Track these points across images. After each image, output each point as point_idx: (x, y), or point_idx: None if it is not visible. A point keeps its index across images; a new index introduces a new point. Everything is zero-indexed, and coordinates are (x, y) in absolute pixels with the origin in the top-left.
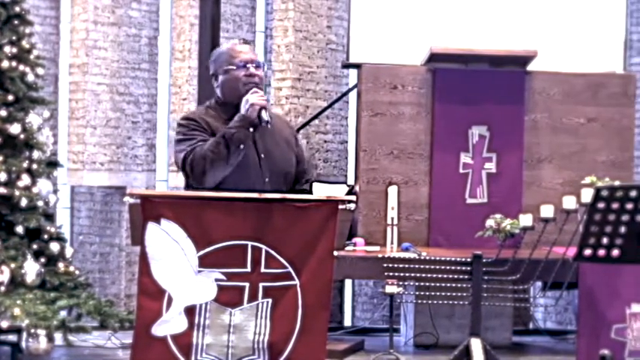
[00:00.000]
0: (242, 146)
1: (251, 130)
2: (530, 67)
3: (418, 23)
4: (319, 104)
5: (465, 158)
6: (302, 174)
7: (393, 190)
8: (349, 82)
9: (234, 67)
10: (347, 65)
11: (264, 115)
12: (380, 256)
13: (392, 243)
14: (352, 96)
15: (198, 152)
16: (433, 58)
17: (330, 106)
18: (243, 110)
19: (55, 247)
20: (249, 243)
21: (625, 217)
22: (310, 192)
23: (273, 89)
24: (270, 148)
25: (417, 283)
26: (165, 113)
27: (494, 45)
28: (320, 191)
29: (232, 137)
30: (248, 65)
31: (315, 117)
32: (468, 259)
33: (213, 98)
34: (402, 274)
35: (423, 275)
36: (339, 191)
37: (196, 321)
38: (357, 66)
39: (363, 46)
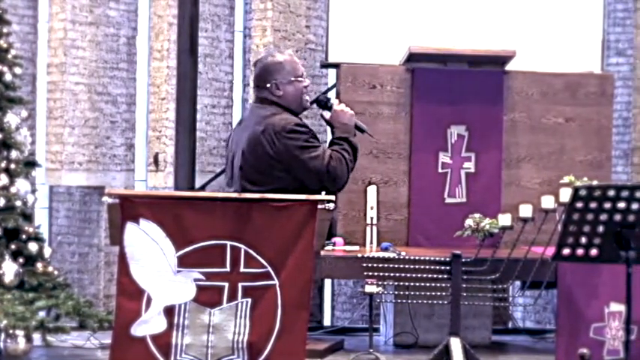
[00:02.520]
0: None
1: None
2: (508, 67)
3: (397, 23)
4: None
5: (443, 158)
6: None
7: (372, 190)
8: (328, 82)
9: (298, 79)
10: (326, 65)
11: (361, 124)
12: (359, 255)
13: (371, 243)
14: (331, 95)
15: (339, 160)
16: (412, 57)
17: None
18: (344, 119)
19: (33, 247)
20: (228, 243)
21: (603, 217)
22: None
23: (252, 89)
24: None
25: (396, 283)
26: (144, 113)
27: (473, 45)
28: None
29: (356, 146)
30: (305, 76)
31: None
32: (447, 259)
33: (275, 106)
34: (381, 274)
35: (403, 275)
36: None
37: (176, 321)
38: (336, 66)
39: (342, 45)
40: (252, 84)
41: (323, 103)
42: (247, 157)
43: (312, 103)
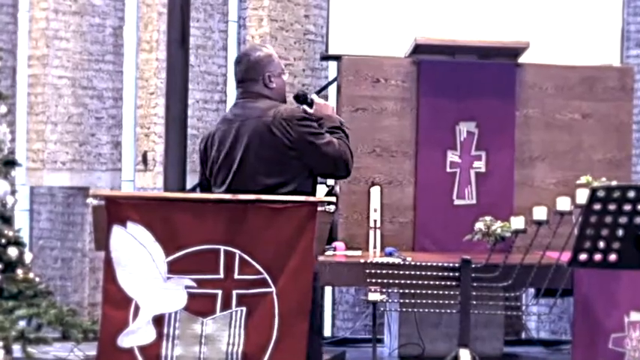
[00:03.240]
0: None
1: None
2: (521, 60)
3: (402, 12)
4: None
5: (452, 156)
6: None
7: (375, 191)
8: (329, 75)
9: (284, 72)
10: (326, 57)
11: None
12: (362, 261)
13: (375, 247)
14: (332, 90)
15: (345, 144)
16: (418, 49)
17: None
18: (328, 111)
19: (13, 252)
20: (222, 247)
21: (622, 220)
22: None
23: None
24: None
25: (401, 290)
26: (132, 108)
27: (483, 36)
28: None
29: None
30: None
31: None
32: (456, 265)
33: (268, 98)
34: (385, 281)
35: (408, 282)
36: (317, 192)
37: (165, 331)
38: (337, 58)
39: (344, 36)
40: (236, 81)
41: (302, 99)
42: (258, 150)
43: (294, 98)
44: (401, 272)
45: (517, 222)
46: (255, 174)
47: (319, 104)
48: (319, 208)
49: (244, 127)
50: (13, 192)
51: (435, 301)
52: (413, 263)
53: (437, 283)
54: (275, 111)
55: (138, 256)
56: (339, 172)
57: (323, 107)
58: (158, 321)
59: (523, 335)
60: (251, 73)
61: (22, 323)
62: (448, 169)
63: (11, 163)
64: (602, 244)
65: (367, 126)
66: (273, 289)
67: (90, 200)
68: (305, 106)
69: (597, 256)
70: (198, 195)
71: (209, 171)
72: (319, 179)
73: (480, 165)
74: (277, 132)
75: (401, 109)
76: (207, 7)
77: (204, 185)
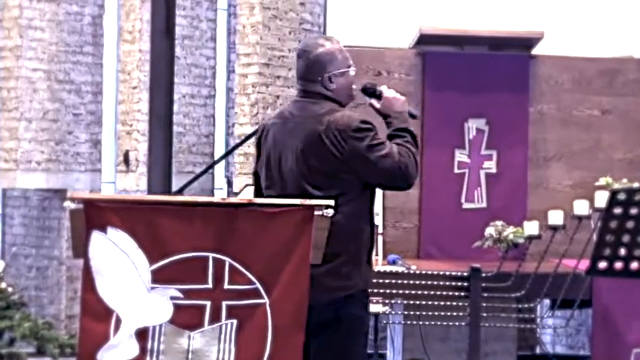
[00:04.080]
0: None
1: None
2: (535, 51)
3: (405, 1)
4: (291, 93)
5: (460, 156)
6: None
7: (378, 194)
8: None
9: (350, 70)
10: None
11: (412, 110)
12: None
13: (376, 255)
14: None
15: (407, 154)
16: (423, 39)
17: None
18: (398, 106)
19: None
20: (211, 255)
21: None
22: None
23: (237, 76)
24: None
25: (405, 302)
26: (112, 104)
27: (493, 25)
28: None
29: (415, 135)
30: (354, 68)
31: None
32: (465, 274)
33: (328, 100)
34: (388, 291)
35: (413, 292)
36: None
37: (149, 346)
38: None
39: (342, 25)
40: (296, 76)
41: (370, 91)
42: (309, 159)
43: (361, 90)
44: (405, 282)
45: (531, 227)
46: (303, 184)
47: (388, 98)
48: (316, 213)
49: (297, 130)
50: None
51: (442, 313)
52: (418, 272)
53: (444, 293)
54: (330, 118)
55: (119, 265)
56: (398, 185)
57: (393, 102)
58: (141, 335)
59: (537, 350)
60: (310, 72)
61: None
62: (456, 170)
63: None
64: (623, 252)
65: None
66: (266, 300)
67: (67, 204)
68: (373, 100)
69: (618, 265)
70: (184, 198)
71: (259, 169)
72: None
73: (491, 165)
74: (328, 142)
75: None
76: None
77: (257, 176)
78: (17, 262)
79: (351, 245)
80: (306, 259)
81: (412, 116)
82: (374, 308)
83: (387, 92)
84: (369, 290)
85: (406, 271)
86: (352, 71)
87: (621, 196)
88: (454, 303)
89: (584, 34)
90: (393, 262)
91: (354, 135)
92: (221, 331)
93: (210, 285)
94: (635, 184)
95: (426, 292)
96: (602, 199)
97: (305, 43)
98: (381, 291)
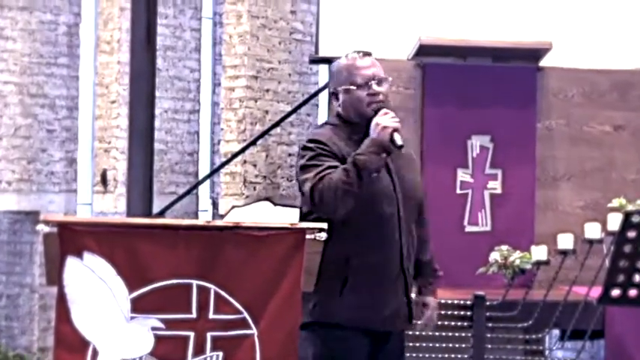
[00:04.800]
0: (375, 174)
1: (384, 155)
2: (543, 63)
3: (404, 7)
4: (281, 108)
5: (463, 175)
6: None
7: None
8: (319, 81)
9: (355, 87)
10: (316, 60)
11: (398, 139)
12: None
13: None
14: (323, 98)
15: (327, 183)
16: (423, 50)
17: (295, 110)
18: (373, 134)
19: None
20: (195, 282)
21: None
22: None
23: (224, 89)
24: (404, 172)
25: (405, 332)
26: (89, 119)
27: (498, 35)
28: (272, 215)
29: (365, 165)
30: (370, 83)
31: (277, 124)
32: (468, 302)
33: (335, 116)
34: None
35: (412, 321)
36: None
37: None
38: (329, 61)
39: (336, 36)
40: None
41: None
42: None
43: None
44: None
45: (539, 252)
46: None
47: (375, 121)
48: (308, 236)
49: None
50: None
51: (444, 345)
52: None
53: (445, 323)
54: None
55: (96, 293)
56: (317, 212)
57: (372, 125)
58: None
59: None
60: (330, 87)
61: None
62: (458, 191)
63: None
64: (637, 278)
65: None
66: (254, 330)
67: (40, 227)
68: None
69: (632, 292)
70: (166, 221)
71: None
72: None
73: (496, 185)
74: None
75: (403, 120)
76: (178, 1)
77: None
78: None
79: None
80: (298, 286)
81: (397, 146)
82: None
83: (378, 115)
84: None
85: None
86: (356, 89)
87: (636, 219)
88: (456, 334)
89: (595, 44)
90: None
91: (299, 153)
92: None
93: (193, 314)
94: None
95: None
96: (615, 221)
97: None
98: None
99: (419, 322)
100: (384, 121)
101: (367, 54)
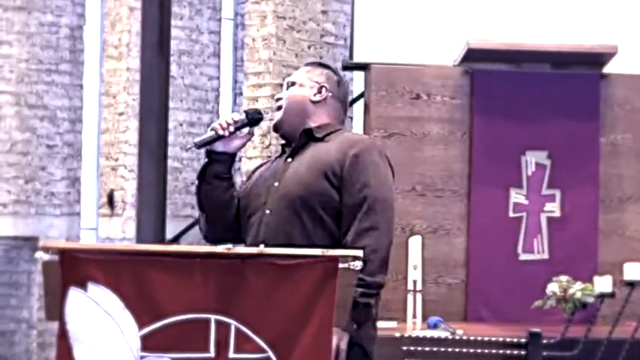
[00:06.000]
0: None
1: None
2: (607, 69)
3: (450, 7)
4: None
5: (516, 197)
6: (348, 214)
7: (415, 242)
8: (353, 90)
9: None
10: (350, 66)
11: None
12: (398, 335)
13: (414, 317)
14: (357, 108)
15: None
16: (471, 55)
17: None
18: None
19: None
20: (213, 317)
21: None
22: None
23: (246, 100)
24: (289, 174)
25: None
26: (94, 134)
27: (557, 38)
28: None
29: (199, 174)
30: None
31: None
32: (523, 340)
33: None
34: None
35: None
36: None
37: None
38: (364, 67)
39: (372, 38)
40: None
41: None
42: None
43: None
44: (449, 349)
45: (603, 283)
46: None
47: None
48: (340, 265)
49: None
50: None
51: None
52: (465, 338)
53: None
54: None
55: (102, 329)
56: None
57: None
58: None
59: None
60: None
61: None
62: (511, 214)
63: None
64: None
65: (404, 156)
66: None
67: (39, 254)
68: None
69: None
70: (180, 248)
71: None
72: None
73: (554, 208)
74: None
75: (449, 134)
76: (194, 0)
77: None
78: None
79: None
80: (329, 321)
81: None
82: None
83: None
84: None
85: (450, 337)
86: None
87: None
88: None
89: None
90: (435, 326)
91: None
92: None
93: (212, 353)
94: None
95: None
96: None
97: None
98: None
99: None
100: (215, 123)
101: (321, 65)
